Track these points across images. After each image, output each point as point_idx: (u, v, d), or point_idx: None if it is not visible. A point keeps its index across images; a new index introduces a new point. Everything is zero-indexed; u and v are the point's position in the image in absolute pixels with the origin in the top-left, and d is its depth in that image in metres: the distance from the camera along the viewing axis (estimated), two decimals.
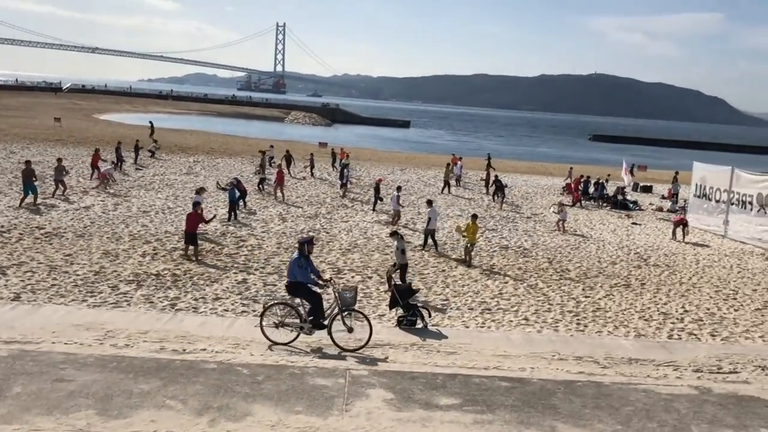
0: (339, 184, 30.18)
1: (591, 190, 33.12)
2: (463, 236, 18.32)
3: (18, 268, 14.09)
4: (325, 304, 10.81)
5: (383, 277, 15.50)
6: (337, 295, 10.66)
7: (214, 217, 20.15)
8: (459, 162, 37.51)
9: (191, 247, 16.39)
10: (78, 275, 13.93)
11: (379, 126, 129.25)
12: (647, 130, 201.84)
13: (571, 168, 40.34)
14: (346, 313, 10.60)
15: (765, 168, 67.13)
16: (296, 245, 11.54)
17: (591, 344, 11.69)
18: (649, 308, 14.62)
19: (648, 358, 10.87)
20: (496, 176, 32.66)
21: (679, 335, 12.72)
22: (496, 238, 22.09)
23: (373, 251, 18.76)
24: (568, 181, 36.40)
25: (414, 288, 12.82)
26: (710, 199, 27.54)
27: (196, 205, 17.88)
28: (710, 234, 25.89)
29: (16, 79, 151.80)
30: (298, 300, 10.66)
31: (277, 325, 10.40)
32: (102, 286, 13.32)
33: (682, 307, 14.89)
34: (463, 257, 18.17)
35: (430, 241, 19.41)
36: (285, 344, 10.33)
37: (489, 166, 40.83)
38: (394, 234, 15.37)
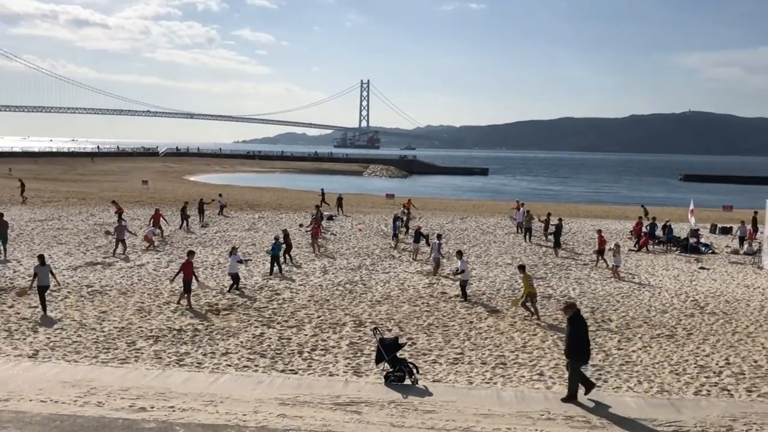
0: (391, 235, 30.39)
1: (659, 233, 31.34)
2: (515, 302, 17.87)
3: (49, 326, 14.71)
4: None
5: (404, 330, 15.19)
6: None
7: (249, 260, 23.23)
8: (522, 208, 36.51)
9: (185, 295, 17.08)
10: (103, 332, 14.37)
11: (456, 175, 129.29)
12: (745, 167, 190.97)
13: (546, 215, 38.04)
14: None
15: None
16: None
17: (589, 401, 10.78)
18: (686, 360, 13.44)
19: (649, 418, 9.86)
20: (559, 219, 31.38)
21: (708, 391, 11.54)
22: (542, 287, 21.16)
23: (404, 303, 18.39)
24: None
25: (400, 342, 12.33)
26: None
27: (191, 254, 18.26)
28: None
29: (117, 147, 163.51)
30: None
31: None
32: (120, 342, 13.66)
33: (726, 359, 13.58)
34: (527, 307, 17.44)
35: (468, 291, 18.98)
36: None
37: (549, 215, 39.47)
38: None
